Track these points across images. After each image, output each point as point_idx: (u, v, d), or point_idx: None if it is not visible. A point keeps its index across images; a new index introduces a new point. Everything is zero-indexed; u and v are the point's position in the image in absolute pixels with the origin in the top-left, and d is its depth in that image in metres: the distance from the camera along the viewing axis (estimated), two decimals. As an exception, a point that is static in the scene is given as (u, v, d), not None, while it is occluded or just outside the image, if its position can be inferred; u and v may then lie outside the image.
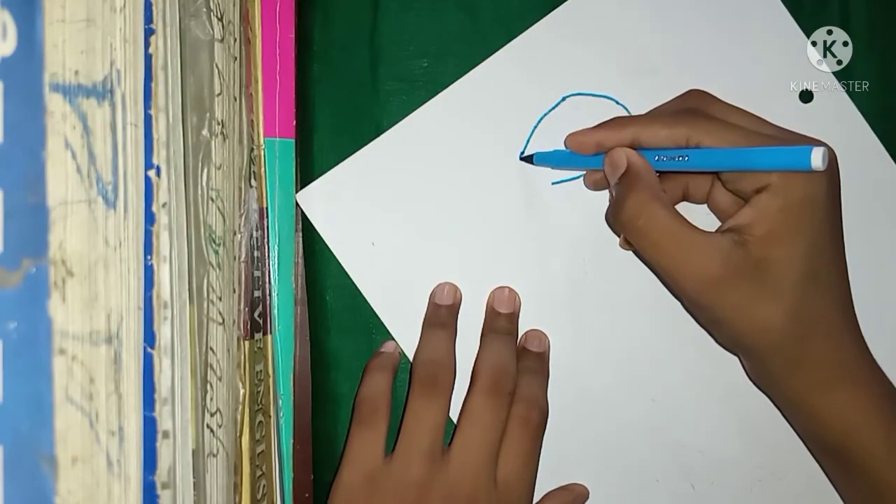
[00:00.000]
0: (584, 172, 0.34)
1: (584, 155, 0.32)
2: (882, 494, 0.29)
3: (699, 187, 0.32)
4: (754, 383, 0.32)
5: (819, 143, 0.26)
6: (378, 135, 0.35)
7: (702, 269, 0.28)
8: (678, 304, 0.34)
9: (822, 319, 0.28)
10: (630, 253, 0.34)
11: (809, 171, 0.25)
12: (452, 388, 0.32)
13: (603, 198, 0.34)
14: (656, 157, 0.29)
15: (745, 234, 0.28)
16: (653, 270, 0.33)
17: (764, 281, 0.27)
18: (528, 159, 0.34)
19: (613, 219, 0.30)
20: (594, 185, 0.34)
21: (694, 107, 0.30)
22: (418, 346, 0.34)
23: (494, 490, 0.31)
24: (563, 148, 0.33)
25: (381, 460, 0.31)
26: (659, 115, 0.31)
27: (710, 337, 0.33)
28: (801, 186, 0.27)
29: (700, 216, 0.32)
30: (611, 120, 0.31)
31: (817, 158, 0.25)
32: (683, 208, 0.32)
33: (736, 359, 0.33)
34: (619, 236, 0.34)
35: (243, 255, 0.32)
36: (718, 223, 0.32)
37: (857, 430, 0.29)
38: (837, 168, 0.28)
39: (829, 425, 0.29)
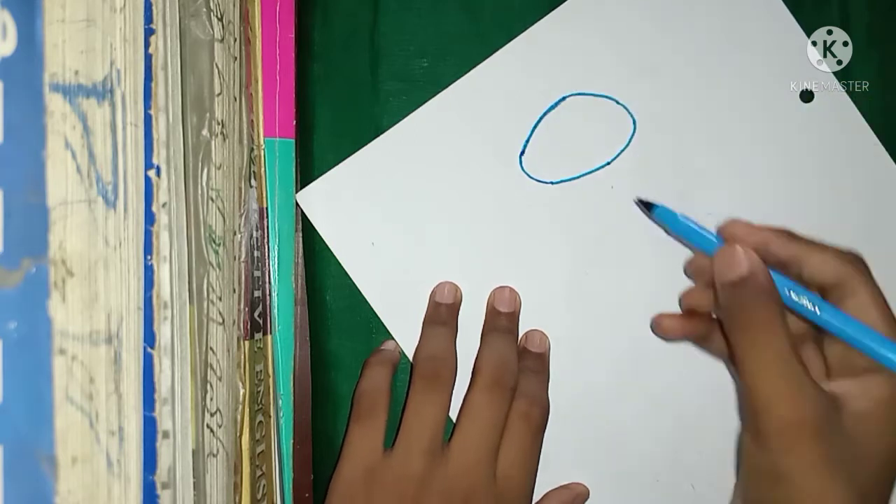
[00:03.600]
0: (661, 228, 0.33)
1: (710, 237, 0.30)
2: None
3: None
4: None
5: None
6: (378, 135, 0.35)
7: (792, 412, 0.27)
8: (678, 303, 0.34)
9: None
10: (629, 253, 0.34)
11: None
12: (453, 384, 0.32)
13: (603, 197, 0.34)
14: (787, 291, 0.28)
15: (846, 404, 0.27)
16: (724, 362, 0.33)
17: (843, 459, 0.26)
18: (648, 206, 0.32)
19: (728, 320, 0.28)
20: (695, 273, 0.33)
21: (855, 259, 0.29)
22: (419, 343, 0.34)
23: (494, 485, 0.31)
24: (683, 215, 0.31)
25: (380, 454, 0.31)
26: (828, 247, 0.29)
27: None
28: None
29: (699, 216, 0.32)
30: (780, 229, 0.30)
31: None
32: (682, 207, 0.32)
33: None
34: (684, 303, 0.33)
35: (243, 255, 0.32)
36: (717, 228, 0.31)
37: None
38: None
39: None
